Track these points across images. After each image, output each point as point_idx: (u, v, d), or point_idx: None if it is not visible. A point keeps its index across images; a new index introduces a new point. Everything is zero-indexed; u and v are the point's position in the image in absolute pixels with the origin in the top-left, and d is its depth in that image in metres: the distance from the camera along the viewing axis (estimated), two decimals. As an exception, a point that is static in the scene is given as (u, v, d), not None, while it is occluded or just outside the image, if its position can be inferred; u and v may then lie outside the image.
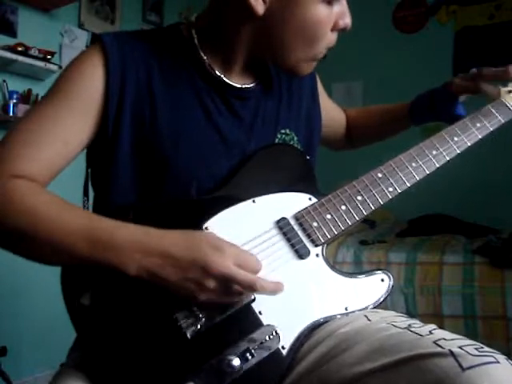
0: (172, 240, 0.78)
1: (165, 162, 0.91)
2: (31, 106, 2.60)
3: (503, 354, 0.70)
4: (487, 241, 2.64)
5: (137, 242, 0.77)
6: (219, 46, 0.96)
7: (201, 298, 0.78)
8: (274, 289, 0.82)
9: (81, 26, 3.10)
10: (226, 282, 0.77)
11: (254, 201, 0.91)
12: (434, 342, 0.71)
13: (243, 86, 0.99)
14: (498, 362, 0.67)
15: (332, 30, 0.93)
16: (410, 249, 2.70)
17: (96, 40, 0.93)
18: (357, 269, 2.65)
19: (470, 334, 2.34)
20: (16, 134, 0.87)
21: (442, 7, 3.63)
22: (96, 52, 0.91)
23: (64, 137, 0.88)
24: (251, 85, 1.00)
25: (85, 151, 0.97)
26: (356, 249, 2.78)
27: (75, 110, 0.88)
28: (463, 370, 0.65)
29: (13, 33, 2.72)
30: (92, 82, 0.89)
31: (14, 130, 0.88)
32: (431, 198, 3.18)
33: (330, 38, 0.94)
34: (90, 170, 1.00)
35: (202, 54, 0.96)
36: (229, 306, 0.81)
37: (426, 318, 2.36)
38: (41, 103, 0.91)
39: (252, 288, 0.79)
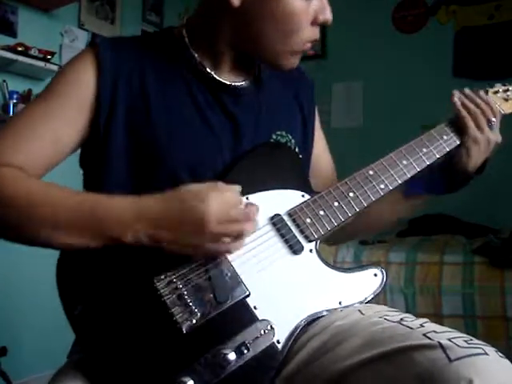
0: (160, 201, 0.81)
1: (159, 158, 0.92)
2: (27, 104, 2.61)
3: (503, 353, 0.70)
4: (487, 241, 2.64)
5: (129, 209, 0.80)
6: (207, 42, 0.97)
7: (204, 248, 0.80)
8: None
9: (81, 26, 3.11)
10: (223, 224, 0.79)
11: (247, 198, 0.92)
12: (424, 335, 0.72)
13: (235, 84, 0.99)
14: (487, 354, 0.67)
15: (312, 25, 0.92)
16: (410, 249, 2.70)
17: (91, 43, 0.96)
18: (357, 268, 2.65)
19: (470, 333, 2.31)
20: (8, 128, 0.90)
21: (442, 7, 3.64)
22: (89, 53, 0.93)
23: (55, 133, 0.90)
24: (242, 82, 1.00)
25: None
26: (356, 249, 2.78)
27: (67, 108, 0.91)
28: (451, 361, 0.66)
29: (13, 33, 2.73)
30: (84, 81, 0.92)
31: (6, 125, 0.91)
32: (431, 197, 3.18)
33: (309, 33, 0.93)
34: (83, 174, 1.01)
35: (193, 51, 0.97)
36: (223, 300, 0.82)
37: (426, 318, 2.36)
38: (35, 101, 0.94)
39: (249, 218, 0.82)
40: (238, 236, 0.82)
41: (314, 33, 0.93)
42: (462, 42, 3.56)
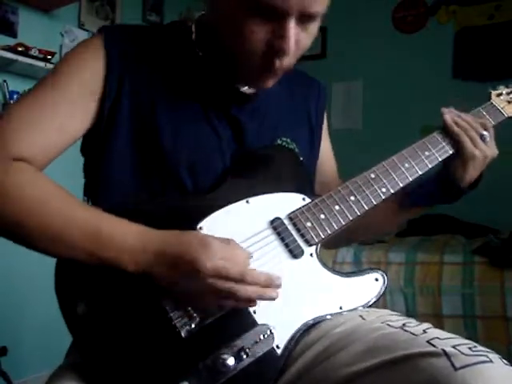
0: (166, 239, 0.80)
1: (161, 154, 0.92)
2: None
3: (503, 354, 0.70)
4: (487, 241, 2.64)
5: (135, 241, 0.79)
6: (211, 41, 0.95)
7: (196, 299, 0.79)
8: (266, 280, 0.81)
9: (81, 26, 3.10)
10: (215, 278, 0.77)
11: (247, 201, 0.91)
12: (428, 342, 0.72)
13: (240, 88, 0.98)
14: (491, 362, 0.67)
15: (269, 50, 0.84)
16: (409, 249, 2.70)
17: (99, 32, 0.94)
18: (356, 269, 2.65)
19: (470, 334, 2.34)
20: (12, 115, 0.87)
21: (442, 7, 3.63)
22: (98, 43, 0.92)
23: (61, 123, 0.88)
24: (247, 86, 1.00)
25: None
26: (356, 249, 2.78)
27: (74, 98, 0.89)
28: (456, 369, 0.66)
29: (13, 33, 2.72)
30: (92, 71, 0.90)
31: (11, 111, 0.88)
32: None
33: (264, 60, 0.85)
34: (83, 164, 1.00)
35: (198, 49, 0.96)
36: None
37: (425, 318, 2.36)
38: (39, 87, 0.91)
39: (243, 280, 0.78)
40: (230, 295, 0.79)
41: (268, 64, 0.86)
42: (462, 42, 3.55)
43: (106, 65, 0.90)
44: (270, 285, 0.81)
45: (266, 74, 0.89)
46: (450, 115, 1.04)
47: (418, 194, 1.07)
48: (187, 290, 0.79)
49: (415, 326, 0.79)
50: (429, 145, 1.03)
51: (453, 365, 0.66)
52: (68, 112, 0.89)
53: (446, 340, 0.72)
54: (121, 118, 0.91)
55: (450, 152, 1.04)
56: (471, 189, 1.06)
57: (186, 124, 0.93)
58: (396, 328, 0.79)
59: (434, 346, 0.70)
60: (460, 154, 1.02)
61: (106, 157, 0.91)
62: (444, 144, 1.04)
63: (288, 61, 0.87)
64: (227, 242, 0.81)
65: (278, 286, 0.82)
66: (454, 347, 0.69)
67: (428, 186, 1.07)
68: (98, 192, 0.94)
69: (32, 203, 0.80)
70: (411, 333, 0.76)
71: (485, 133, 1.02)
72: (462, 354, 0.68)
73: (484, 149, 1.01)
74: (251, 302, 0.81)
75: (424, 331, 0.76)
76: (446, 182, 1.05)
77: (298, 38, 0.84)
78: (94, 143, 0.93)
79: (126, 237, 0.79)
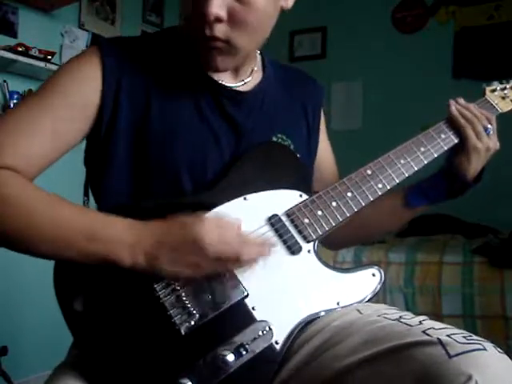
0: (160, 226, 0.81)
1: (160, 159, 0.92)
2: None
3: (502, 353, 0.71)
4: (487, 241, 2.64)
5: (131, 233, 0.80)
6: None
7: (200, 270, 0.80)
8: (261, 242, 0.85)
9: (81, 26, 3.11)
10: (219, 245, 0.79)
11: (245, 198, 0.92)
12: (423, 332, 0.72)
13: (235, 87, 0.99)
14: (485, 349, 0.68)
15: (197, 19, 0.85)
16: (409, 248, 2.70)
17: (95, 42, 0.94)
18: (356, 269, 2.65)
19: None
20: (7, 123, 0.87)
21: (442, 7, 3.64)
22: (94, 53, 0.92)
23: (55, 131, 0.88)
24: (241, 83, 1.00)
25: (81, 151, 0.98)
26: (356, 249, 2.78)
27: (70, 107, 0.89)
28: (450, 357, 0.67)
29: (13, 33, 2.72)
30: (89, 81, 0.90)
31: (4, 118, 0.89)
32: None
33: (198, 31, 0.86)
34: (86, 169, 1.01)
35: (186, 45, 0.96)
36: (222, 301, 0.82)
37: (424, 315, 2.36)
38: (34, 96, 0.91)
39: (244, 242, 0.82)
40: (237, 260, 0.81)
41: (200, 34, 0.86)
42: (462, 42, 3.56)
43: (102, 75, 0.91)
44: (264, 244, 0.85)
45: (206, 48, 0.89)
46: (456, 107, 1.06)
47: (422, 190, 1.07)
48: (193, 266, 0.79)
49: (411, 318, 0.80)
50: (424, 141, 1.04)
51: (447, 353, 0.67)
52: (64, 120, 0.89)
53: (442, 330, 0.73)
54: (119, 125, 0.91)
55: (445, 148, 1.05)
56: (476, 182, 1.07)
57: (183, 126, 0.94)
58: (392, 320, 0.80)
59: (429, 335, 0.71)
60: (464, 146, 1.04)
61: (106, 164, 0.92)
62: (449, 134, 1.05)
63: (221, 30, 0.86)
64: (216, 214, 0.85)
65: (273, 245, 0.87)
66: (449, 336, 0.70)
67: (433, 181, 1.07)
68: (99, 200, 0.95)
69: (18, 208, 0.80)
70: (407, 324, 0.77)
71: (489, 126, 1.04)
72: (457, 342, 0.69)
73: (487, 141, 1.03)
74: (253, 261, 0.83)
75: (420, 322, 0.77)
76: (450, 174, 1.06)
77: (231, 6, 0.84)
78: (94, 153, 0.94)
79: (119, 230, 0.80)
